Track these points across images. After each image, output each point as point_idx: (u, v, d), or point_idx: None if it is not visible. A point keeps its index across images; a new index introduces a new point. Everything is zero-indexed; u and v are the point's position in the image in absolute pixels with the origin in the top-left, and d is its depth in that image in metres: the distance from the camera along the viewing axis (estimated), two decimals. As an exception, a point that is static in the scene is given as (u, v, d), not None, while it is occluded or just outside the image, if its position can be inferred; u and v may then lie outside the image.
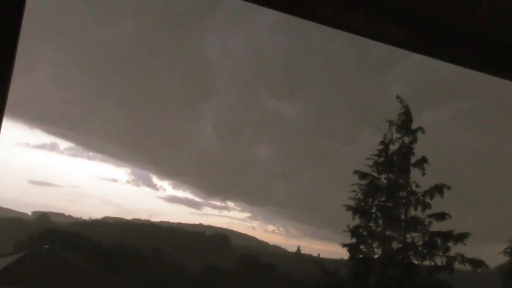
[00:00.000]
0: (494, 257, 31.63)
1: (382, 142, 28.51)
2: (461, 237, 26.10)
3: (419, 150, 28.03)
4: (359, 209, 27.93)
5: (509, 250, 30.42)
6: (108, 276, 41.18)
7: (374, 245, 27.90)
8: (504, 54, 1.50)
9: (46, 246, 33.79)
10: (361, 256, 27.86)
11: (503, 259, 31.14)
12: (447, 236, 26.32)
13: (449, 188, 26.80)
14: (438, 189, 26.84)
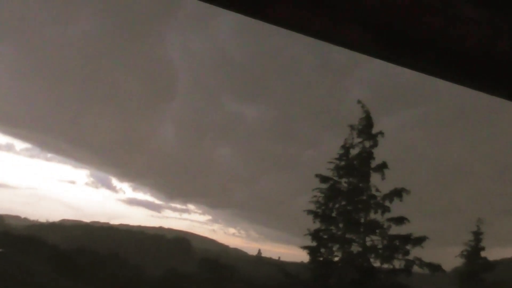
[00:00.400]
0: (450, 260, 32.43)
1: (343, 146, 28.77)
2: (419, 241, 26.59)
3: (379, 155, 28.48)
4: (319, 213, 28.08)
5: (464, 253, 31.27)
6: (65, 280, 40.29)
7: (335, 248, 28.09)
8: (461, 62, 1.53)
9: (0, 249, 32.78)
10: (321, 259, 28.00)
11: (459, 262, 31.98)
12: (405, 239, 26.76)
13: (408, 192, 27.28)
14: (397, 193, 27.28)
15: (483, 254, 30.63)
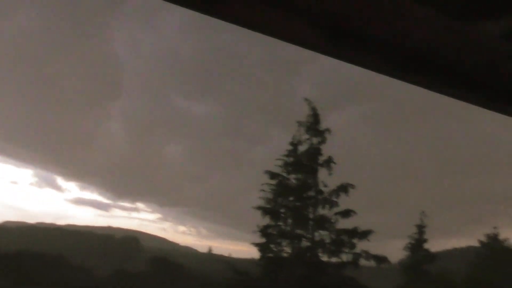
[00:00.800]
0: (396, 253, 33.33)
1: (291, 143, 29.03)
2: (365, 234, 27.24)
3: (326, 151, 28.93)
4: (269, 209, 28.24)
5: (409, 245, 32.23)
6: (9, 284, 38.92)
7: (284, 244, 28.31)
8: (407, 59, 1.55)
9: None
10: (271, 255, 28.16)
11: (404, 254, 32.94)
12: (352, 233, 27.35)
13: (353, 186, 27.87)
14: (343, 188, 27.85)
15: (425, 246, 31.77)
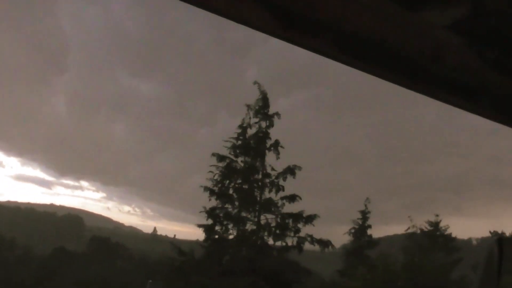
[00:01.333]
0: (340, 238, 34.03)
1: (240, 126, 29.00)
2: (310, 219, 27.65)
3: (274, 135, 29.06)
4: (216, 191, 28.23)
5: (352, 230, 32.92)
6: None
7: (230, 226, 28.41)
8: (356, 45, 1.56)
9: None
10: (216, 237, 28.24)
11: (347, 239, 33.68)
12: (297, 217, 27.71)
13: (300, 168, 28.20)
14: (290, 171, 28.15)
15: (369, 232, 32.56)
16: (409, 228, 32.24)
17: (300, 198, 28.15)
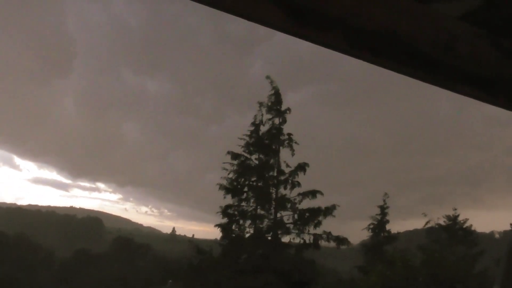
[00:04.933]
0: (356, 233, 33.58)
1: (253, 123, 28.77)
2: (329, 210, 27.21)
3: (286, 130, 28.73)
4: (231, 189, 28.04)
5: (371, 226, 32.41)
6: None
7: (246, 224, 28.23)
8: (367, 40, 1.56)
9: None
10: (233, 235, 28.09)
11: (363, 235, 33.20)
12: (316, 212, 27.33)
13: (308, 165, 27.86)
14: (301, 168, 27.81)
15: (387, 227, 32.08)
16: (427, 222, 31.61)
17: (322, 194, 27.77)
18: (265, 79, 29.05)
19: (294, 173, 27.90)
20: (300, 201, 27.85)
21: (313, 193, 27.78)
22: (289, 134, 28.46)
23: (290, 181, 27.96)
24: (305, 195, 27.80)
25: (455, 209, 32.71)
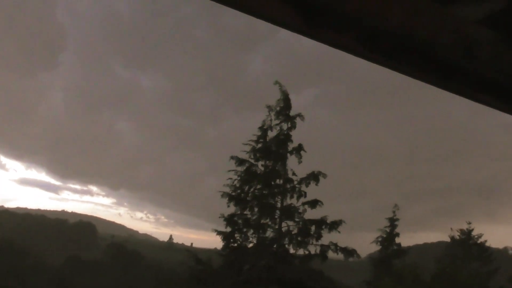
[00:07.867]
0: (365, 245, 32.54)
1: (260, 128, 27.77)
2: (335, 225, 26.25)
3: (294, 136, 27.80)
4: (235, 197, 27.02)
5: (379, 239, 31.32)
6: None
7: (249, 233, 27.21)
8: (384, 42, 1.52)
9: None
10: (235, 245, 27.10)
11: (373, 248, 32.16)
12: (320, 223, 26.37)
13: (324, 176, 26.84)
14: (314, 177, 26.76)
15: (397, 240, 31.03)
16: (451, 238, 30.61)
17: (322, 204, 26.79)
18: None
19: (304, 181, 26.84)
20: (305, 211, 26.92)
21: (312, 203, 26.79)
22: (299, 145, 27.46)
23: (297, 190, 26.92)
24: (306, 204, 26.85)
25: (470, 223, 31.72)
